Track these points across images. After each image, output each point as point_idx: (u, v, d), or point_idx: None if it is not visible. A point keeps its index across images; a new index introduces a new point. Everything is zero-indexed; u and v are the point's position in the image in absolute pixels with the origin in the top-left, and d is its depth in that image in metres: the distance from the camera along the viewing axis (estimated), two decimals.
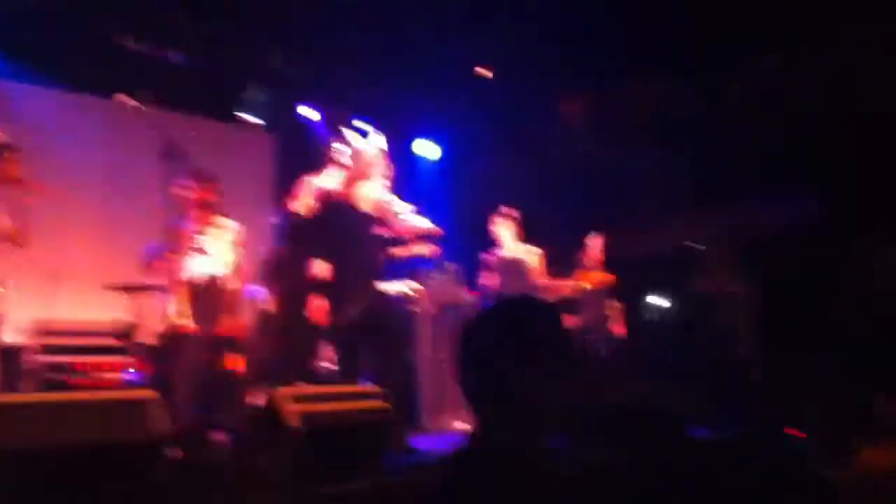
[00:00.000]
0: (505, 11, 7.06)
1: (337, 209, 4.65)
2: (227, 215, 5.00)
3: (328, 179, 4.84)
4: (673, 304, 8.14)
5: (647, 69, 7.64)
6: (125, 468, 2.45)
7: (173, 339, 5.19)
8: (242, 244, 5.11)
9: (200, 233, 4.87)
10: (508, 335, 1.53)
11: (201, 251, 4.85)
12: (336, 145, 5.01)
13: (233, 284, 5.03)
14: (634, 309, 7.65)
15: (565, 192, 8.22)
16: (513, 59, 7.99)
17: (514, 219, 6.59)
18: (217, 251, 4.92)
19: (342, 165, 4.93)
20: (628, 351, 7.19)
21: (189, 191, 4.82)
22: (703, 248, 7.36)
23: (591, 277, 6.68)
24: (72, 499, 2.29)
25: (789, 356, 5.80)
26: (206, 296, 4.85)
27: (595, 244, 7.19)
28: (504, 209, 6.64)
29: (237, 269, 5.08)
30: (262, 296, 6.03)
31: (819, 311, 6.19)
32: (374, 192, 4.86)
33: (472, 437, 1.54)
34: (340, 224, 4.63)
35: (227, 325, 4.92)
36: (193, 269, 4.83)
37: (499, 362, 1.51)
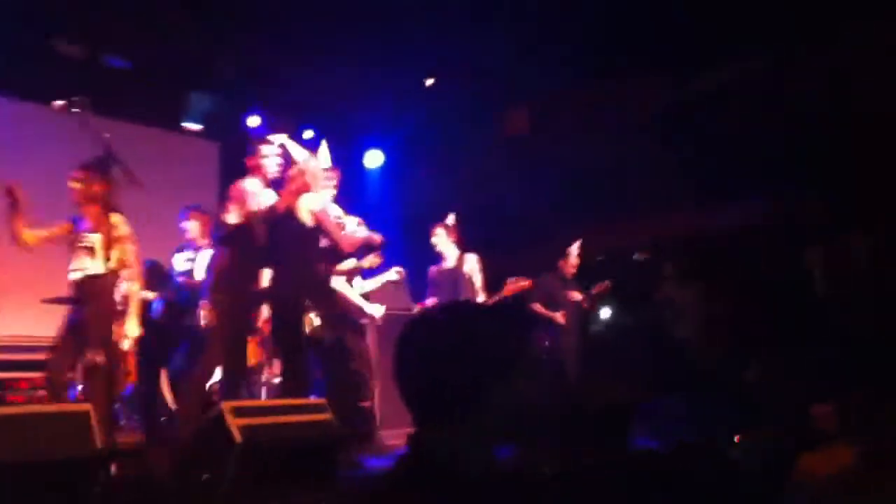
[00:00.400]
0: (452, 19, 7.07)
1: (281, 221, 4.58)
2: (119, 211, 4.53)
3: (265, 191, 4.73)
4: (623, 312, 8.27)
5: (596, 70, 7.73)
6: (68, 484, 2.42)
7: None
8: (133, 241, 4.75)
9: (90, 230, 4.58)
10: (446, 339, 1.51)
11: (88, 250, 4.56)
12: (266, 151, 4.84)
13: (120, 284, 4.65)
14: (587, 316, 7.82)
15: (507, 200, 8.28)
16: (458, 67, 8.04)
17: (453, 227, 6.55)
18: (104, 249, 4.47)
19: (272, 174, 4.82)
20: (582, 356, 7.34)
21: (77, 183, 4.60)
22: (647, 256, 7.50)
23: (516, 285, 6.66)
24: None
25: (739, 361, 5.90)
26: (85, 296, 4.53)
27: (574, 251, 7.47)
28: (445, 221, 6.59)
29: (127, 268, 4.67)
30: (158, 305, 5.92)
31: (773, 315, 6.31)
32: (318, 205, 4.80)
33: (413, 446, 1.52)
34: (284, 236, 4.57)
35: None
36: (76, 268, 4.57)
37: (437, 368, 1.48)
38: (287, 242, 4.56)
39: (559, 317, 7.34)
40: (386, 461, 5.04)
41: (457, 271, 6.31)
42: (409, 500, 1.48)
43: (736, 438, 3.70)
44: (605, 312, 8.14)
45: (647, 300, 7.46)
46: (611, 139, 7.81)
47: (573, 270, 7.56)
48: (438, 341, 1.53)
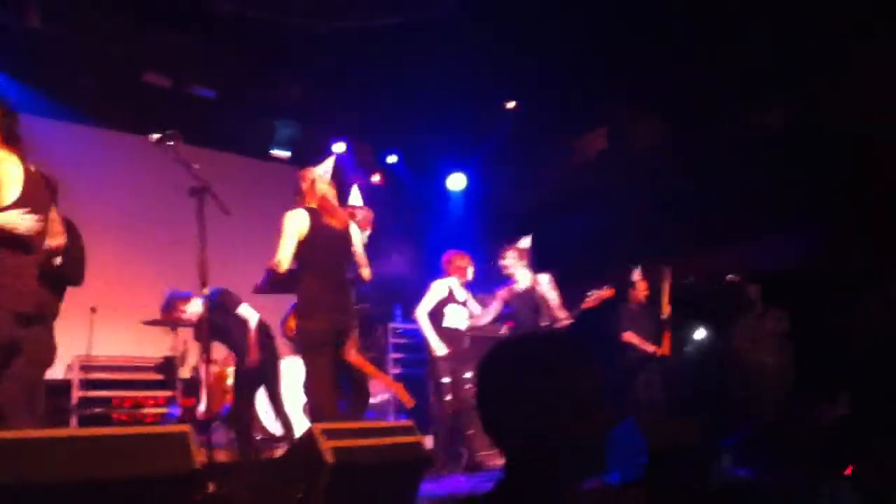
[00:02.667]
0: (531, 41, 7.10)
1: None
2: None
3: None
4: (712, 338, 8.03)
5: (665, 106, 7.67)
6: (166, 501, 2.50)
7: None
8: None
9: None
10: (536, 372, 1.48)
11: None
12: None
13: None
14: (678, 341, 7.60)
15: (588, 223, 8.19)
16: (537, 92, 8.05)
17: (525, 250, 6.43)
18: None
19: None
20: (669, 382, 7.13)
21: None
22: (739, 280, 7.25)
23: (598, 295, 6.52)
24: None
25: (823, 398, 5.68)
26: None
27: (638, 276, 7.27)
28: (517, 244, 6.53)
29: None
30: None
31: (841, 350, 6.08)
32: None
33: (504, 477, 1.51)
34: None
35: None
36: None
37: (527, 400, 1.47)
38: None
39: (651, 347, 7.06)
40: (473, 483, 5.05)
41: (532, 292, 6.23)
42: None
43: (846, 471, 3.55)
44: (699, 333, 7.88)
45: (732, 325, 7.21)
46: (691, 163, 7.71)
47: (643, 298, 7.28)
48: (518, 374, 1.51)
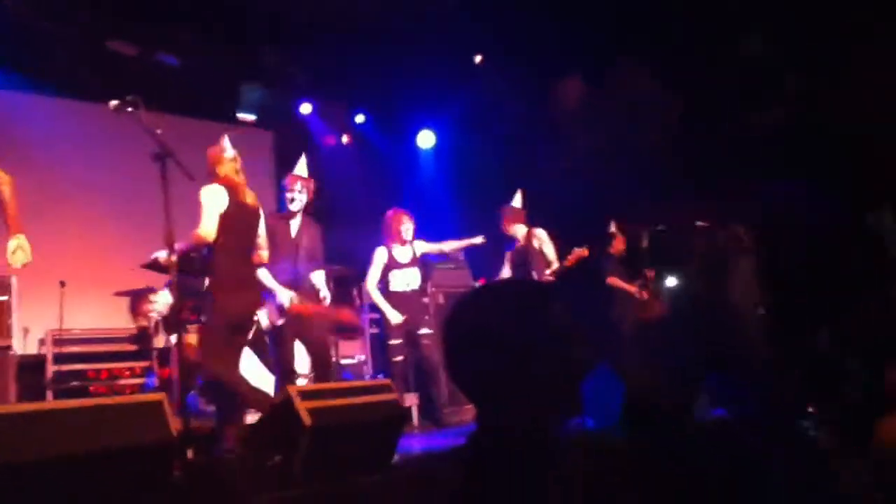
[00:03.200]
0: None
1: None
2: None
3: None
4: (686, 284, 8.20)
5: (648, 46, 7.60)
6: (146, 470, 2.51)
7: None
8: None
9: None
10: (502, 316, 1.48)
11: None
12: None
13: None
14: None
15: (561, 176, 8.19)
16: (506, 42, 7.97)
17: (519, 208, 6.62)
18: None
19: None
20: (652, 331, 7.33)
21: None
22: (708, 225, 7.33)
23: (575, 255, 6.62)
24: (96, 502, 2.35)
25: (800, 335, 5.79)
26: None
27: (614, 229, 7.66)
28: (512, 203, 6.64)
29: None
30: None
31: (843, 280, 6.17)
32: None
33: (476, 428, 1.52)
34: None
35: None
36: None
37: (496, 345, 1.47)
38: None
39: (635, 289, 7.50)
40: (449, 439, 5.11)
41: (527, 248, 6.38)
42: (481, 477, 1.48)
43: (810, 409, 3.64)
44: (671, 282, 8.06)
45: (712, 269, 7.31)
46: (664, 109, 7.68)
47: (622, 248, 7.71)
48: (483, 321, 1.51)
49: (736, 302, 6.90)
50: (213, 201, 4.15)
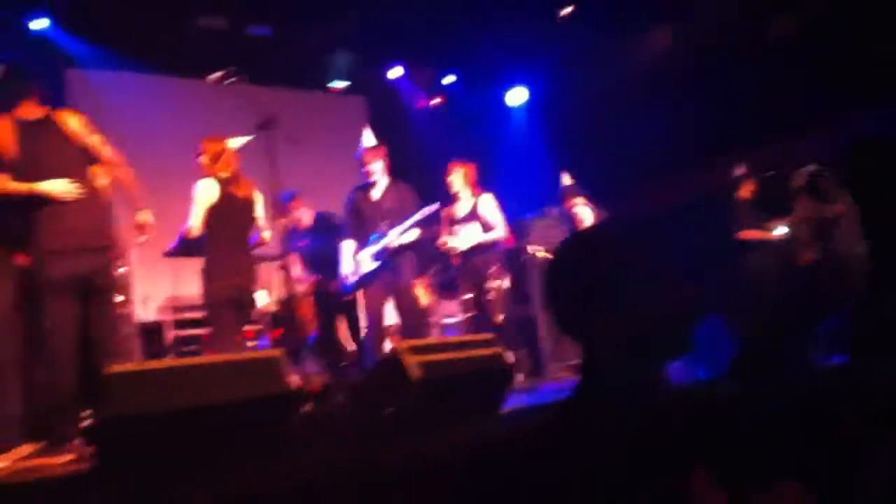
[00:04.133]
0: None
1: None
2: None
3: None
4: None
5: None
6: (265, 421, 2.65)
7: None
8: None
9: None
10: (605, 256, 1.48)
11: None
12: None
13: None
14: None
15: (653, 127, 7.98)
16: None
17: (572, 187, 6.67)
18: None
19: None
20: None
21: None
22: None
23: None
24: (220, 449, 2.49)
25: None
26: None
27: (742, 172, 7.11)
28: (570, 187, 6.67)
29: None
30: None
31: None
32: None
33: (583, 376, 1.52)
34: None
35: None
36: None
37: (601, 284, 1.47)
38: None
39: (771, 234, 6.92)
40: (554, 394, 5.13)
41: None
42: (586, 426, 1.48)
43: None
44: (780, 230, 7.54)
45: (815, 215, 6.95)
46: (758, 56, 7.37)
47: (750, 193, 7.07)
48: (588, 262, 1.50)
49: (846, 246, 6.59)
50: (203, 196, 4.50)
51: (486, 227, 5.92)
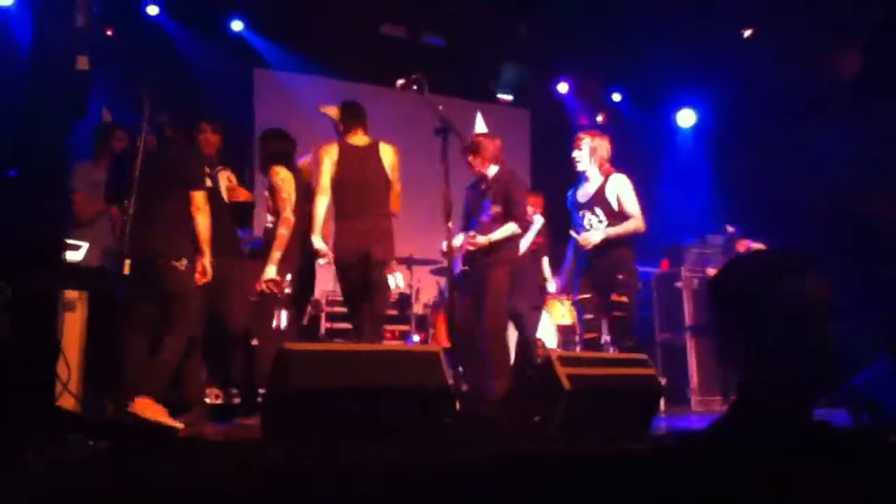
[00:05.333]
0: None
1: None
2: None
3: None
4: None
5: None
6: (424, 409, 2.77)
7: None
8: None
9: None
10: (748, 286, 1.49)
11: None
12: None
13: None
14: None
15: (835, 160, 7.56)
16: (776, 14, 7.50)
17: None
18: None
19: None
20: None
21: None
22: None
23: None
24: (378, 432, 2.63)
25: None
26: None
27: None
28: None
29: None
30: None
31: None
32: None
33: (738, 406, 1.52)
34: None
35: None
36: None
37: (743, 316, 1.49)
38: None
39: None
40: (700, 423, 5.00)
41: None
42: (730, 457, 1.48)
43: None
44: None
45: None
46: None
47: None
48: (744, 287, 1.51)
49: None
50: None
51: (618, 215, 4.86)
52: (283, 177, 4.69)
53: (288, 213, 4.55)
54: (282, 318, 4.52)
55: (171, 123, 4.28)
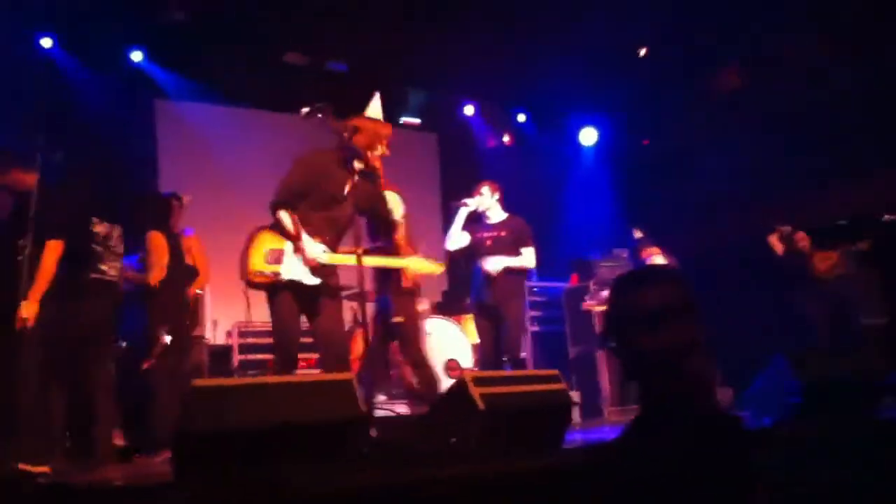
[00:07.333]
0: None
1: None
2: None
3: None
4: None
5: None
6: (337, 440, 2.74)
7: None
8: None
9: None
10: (613, 298, 1.60)
11: None
12: None
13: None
14: None
15: (723, 163, 7.90)
16: (667, 32, 7.81)
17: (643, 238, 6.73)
18: None
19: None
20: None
21: None
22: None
23: None
24: (289, 467, 2.60)
25: None
26: None
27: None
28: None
29: None
30: None
31: None
32: None
33: (641, 415, 1.59)
34: None
35: None
36: None
37: (612, 323, 1.59)
38: None
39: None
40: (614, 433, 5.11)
41: None
42: (637, 466, 1.53)
43: None
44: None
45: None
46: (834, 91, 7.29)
47: (805, 244, 7.00)
48: (624, 301, 1.64)
49: None
50: None
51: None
52: (157, 243, 5.22)
53: (153, 274, 5.12)
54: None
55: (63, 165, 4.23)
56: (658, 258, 6.53)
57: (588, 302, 6.92)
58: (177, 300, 5.31)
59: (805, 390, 3.53)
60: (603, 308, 6.74)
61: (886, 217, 6.70)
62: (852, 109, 7.11)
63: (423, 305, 7.37)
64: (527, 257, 5.44)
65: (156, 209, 5.45)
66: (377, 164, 4.38)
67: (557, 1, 7.09)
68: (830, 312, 6.78)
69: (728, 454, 1.54)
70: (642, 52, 8.21)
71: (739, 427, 1.64)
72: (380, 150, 4.36)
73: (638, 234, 6.84)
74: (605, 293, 6.78)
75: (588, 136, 9.56)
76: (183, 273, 5.44)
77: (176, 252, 5.35)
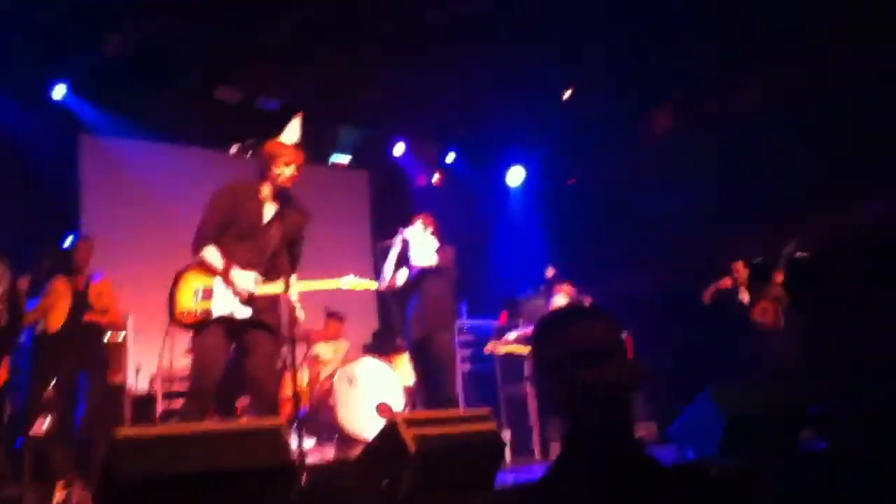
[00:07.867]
0: (586, 29, 7.10)
1: None
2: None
3: None
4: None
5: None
6: (267, 490, 2.69)
7: None
8: None
9: None
10: (540, 337, 1.64)
11: None
12: None
13: None
14: None
15: (656, 206, 8.12)
16: (596, 75, 8.02)
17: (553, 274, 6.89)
18: None
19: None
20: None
21: None
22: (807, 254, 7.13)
23: None
24: None
25: None
26: None
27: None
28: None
29: None
30: None
31: None
32: None
33: (565, 453, 1.62)
34: None
35: None
36: None
37: (541, 365, 1.62)
38: None
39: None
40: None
41: None
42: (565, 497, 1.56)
43: None
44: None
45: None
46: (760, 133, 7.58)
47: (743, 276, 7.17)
48: (561, 343, 1.62)
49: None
50: None
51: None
52: (58, 289, 5.41)
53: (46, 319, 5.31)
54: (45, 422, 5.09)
55: None
56: (562, 297, 6.60)
57: (493, 343, 6.92)
58: (77, 349, 5.37)
59: (727, 425, 3.63)
60: (514, 347, 6.80)
61: (798, 254, 6.96)
62: (784, 153, 7.38)
63: (344, 346, 7.35)
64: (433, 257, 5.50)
65: (61, 255, 5.59)
66: (286, 185, 4.22)
67: (489, 41, 7.21)
68: (758, 347, 6.95)
69: (647, 493, 1.57)
70: (566, 94, 8.37)
71: (657, 465, 1.68)
72: (286, 171, 4.19)
73: (550, 272, 6.98)
74: (527, 330, 6.88)
75: (515, 176, 9.70)
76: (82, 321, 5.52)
77: (79, 298, 5.47)
